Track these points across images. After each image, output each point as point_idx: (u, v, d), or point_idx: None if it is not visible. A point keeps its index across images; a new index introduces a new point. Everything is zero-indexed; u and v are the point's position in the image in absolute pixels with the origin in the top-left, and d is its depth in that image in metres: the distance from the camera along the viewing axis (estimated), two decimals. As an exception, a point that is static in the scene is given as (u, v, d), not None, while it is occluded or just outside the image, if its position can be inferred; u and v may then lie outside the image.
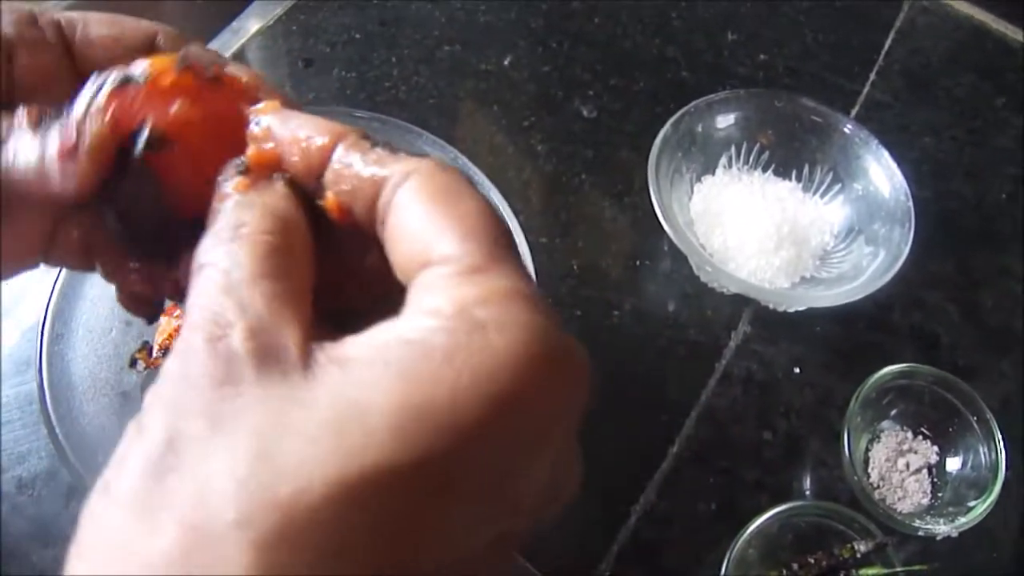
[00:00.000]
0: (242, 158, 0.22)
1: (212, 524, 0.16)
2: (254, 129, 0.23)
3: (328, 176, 0.22)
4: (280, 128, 0.22)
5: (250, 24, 0.89)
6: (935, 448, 0.66)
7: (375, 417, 0.17)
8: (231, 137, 0.23)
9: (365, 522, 0.16)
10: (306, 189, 0.22)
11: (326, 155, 0.22)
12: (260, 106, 0.23)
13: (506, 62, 0.86)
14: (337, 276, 0.23)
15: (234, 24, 0.90)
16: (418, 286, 0.19)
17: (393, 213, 0.21)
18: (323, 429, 0.17)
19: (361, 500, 0.16)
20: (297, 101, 0.26)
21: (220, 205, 0.22)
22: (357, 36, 0.87)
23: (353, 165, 0.21)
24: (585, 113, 0.82)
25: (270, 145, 0.22)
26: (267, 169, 0.22)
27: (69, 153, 0.22)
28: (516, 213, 0.61)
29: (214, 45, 0.87)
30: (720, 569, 0.58)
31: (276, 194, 0.22)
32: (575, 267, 0.73)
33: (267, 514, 0.16)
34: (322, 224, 0.22)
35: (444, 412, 0.17)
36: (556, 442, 0.19)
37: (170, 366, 0.19)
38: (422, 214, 0.20)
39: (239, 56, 0.87)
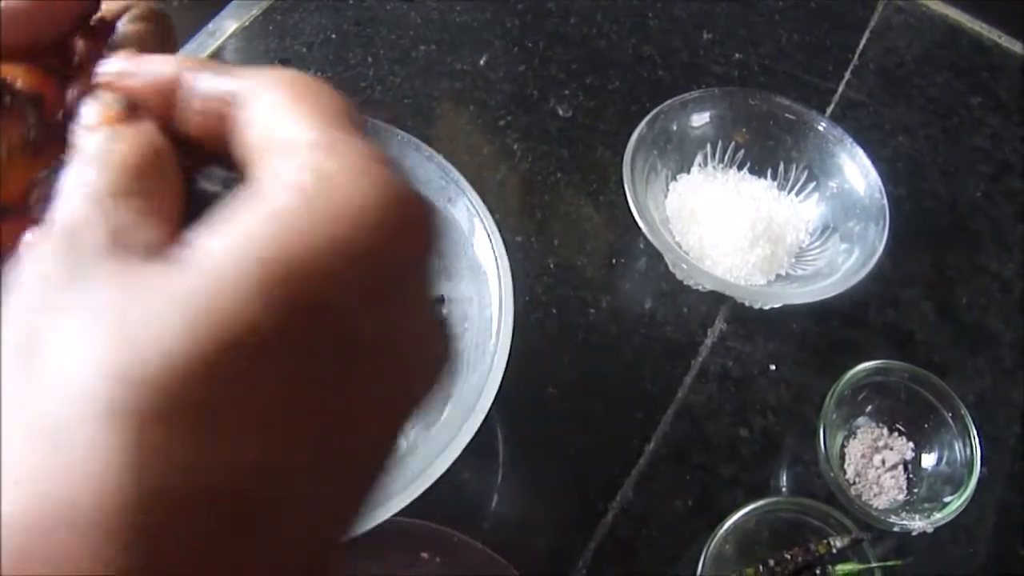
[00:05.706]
0: (101, 97, 0.22)
1: (79, 413, 0.15)
2: (104, 69, 0.23)
3: (181, 102, 0.21)
4: (128, 65, 0.22)
5: (226, 25, 0.89)
6: (910, 444, 0.66)
7: (238, 285, 0.16)
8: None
9: (236, 390, 0.16)
10: (161, 120, 0.22)
11: (176, 83, 0.21)
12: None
13: (482, 62, 0.86)
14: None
15: (210, 25, 0.89)
16: (272, 155, 0.19)
17: (246, 107, 0.20)
18: (185, 304, 0.16)
19: (230, 368, 0.16)
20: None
21: (87, 136, 0.21)
22: (333, 36, 0.87)
23: (204, 83, 0.21)
24: (561, 112, 0.82)
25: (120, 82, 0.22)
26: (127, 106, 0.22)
27: None
28: (492, 212, 0.61)
29: (191, 46, 0.87)
30: (697, 566, 0.58)
31: (148, 126, 0.21)
32: (551, 265, 0.73)
33: (132, 394, 0.15)
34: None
35: (305, 266, 0.17)
36: (410, 291, 0.19)
37: (26, 269, 0.18)
38: (277, 103, 0.20)
39: (216, 57, 0.86)
